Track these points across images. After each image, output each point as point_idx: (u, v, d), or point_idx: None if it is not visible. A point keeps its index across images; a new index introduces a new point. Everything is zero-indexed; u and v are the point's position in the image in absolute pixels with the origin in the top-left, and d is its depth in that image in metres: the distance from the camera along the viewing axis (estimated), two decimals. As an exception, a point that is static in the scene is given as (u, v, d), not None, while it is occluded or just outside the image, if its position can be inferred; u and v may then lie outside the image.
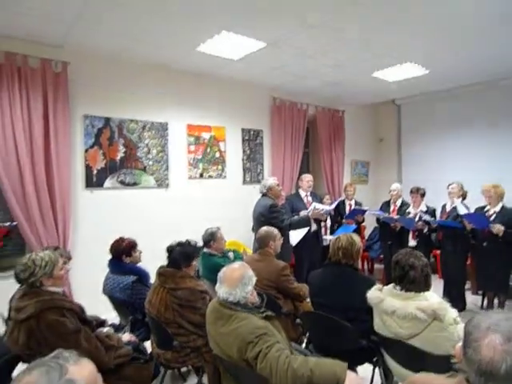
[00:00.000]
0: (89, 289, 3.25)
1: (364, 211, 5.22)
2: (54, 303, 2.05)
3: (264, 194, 4.38)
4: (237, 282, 2.00)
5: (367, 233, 6.48)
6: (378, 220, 5.29)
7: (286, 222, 4.18)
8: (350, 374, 1.68)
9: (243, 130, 5.64)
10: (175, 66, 4.70)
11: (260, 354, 1.77)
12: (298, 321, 3.04)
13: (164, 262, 2.71)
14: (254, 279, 2.08)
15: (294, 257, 4.77)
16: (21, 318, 2.02)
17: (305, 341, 3.15)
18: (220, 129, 5.35)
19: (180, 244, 2.70)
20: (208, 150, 5.23)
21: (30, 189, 3.69)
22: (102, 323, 2.58)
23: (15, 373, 2.49)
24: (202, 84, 5.11)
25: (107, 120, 4.36)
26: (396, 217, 4.83)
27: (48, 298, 2.07)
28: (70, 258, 3.00)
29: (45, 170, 3.80)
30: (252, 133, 5.75)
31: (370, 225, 6.22)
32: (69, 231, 3.95)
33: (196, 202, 5.02)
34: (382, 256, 5.58)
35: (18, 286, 2.74)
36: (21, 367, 2.51)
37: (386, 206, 5.19)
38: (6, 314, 2.70)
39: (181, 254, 2.60)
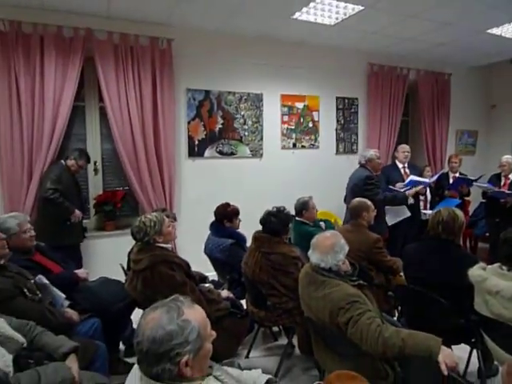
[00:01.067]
0: (191, 248, 3.58)
1: (471, 181, 4.79)
2: (165, 258, 2.35)
3: (362, 165, 4.28)
4: (328, 249, 2.05)
5: (472, 208, 5.96)
6: (484, 194, 4.83)
7: (379, 196, 4.05)
8: (444, 350, 1.65)
9: (337, 98, 5.50)
10: (271, 36, 4.73)
11: (351, 320, 1.83)
12: (390, 293, 3.01)
13: (257, 227, 2.87)
14: (347, 248, 2.11)
15: (389, 231, 4.62)
16: (138, 269, 2.36)
17: (396, 314, 3.12)
18: (314, 98, 5.29)
19: (272, 214, 2.81)
20: (301, 119, 5.23)
21: (141, 157, 4.12)
22: (204, 279, 2.86)
23: (133, 315, 2.93)
24: (297, 53, 5.07)
25: (207, 93, 4.60)
26: (508, 192, 4.37)
27: (159, 253, 2.37)
28: (175, 219, 3.32)
29: (154, 140, 4.21)
30: (347, 101, 5.58)
31: (475, 200, 5.71)
32: (174, 196, 4.36)
33: (288, 171, 5.11)
34: (487, 234, 5.12)
35: (133, 241, 3.17)
36: (137, 311, 2.94)
37: (495, 180, 4.71)
38: (125, 265, 3.16)
39: (277, 225, 2.72)
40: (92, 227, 4.23)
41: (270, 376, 1.48)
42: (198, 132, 4.58)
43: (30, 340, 1.83)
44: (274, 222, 2.76)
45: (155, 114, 4.21)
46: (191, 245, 3.47)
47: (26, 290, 2.08)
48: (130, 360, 2.86)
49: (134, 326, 3.08)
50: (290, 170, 5.13)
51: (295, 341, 2.98)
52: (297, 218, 3.61)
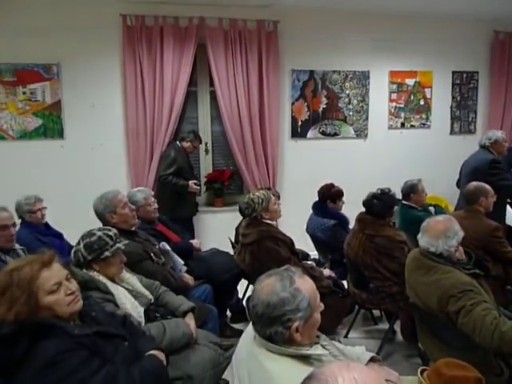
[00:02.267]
0: (293, 227, 3.67)
1: None
2: (271, 233, 2.48)
3: (484, 147, 3.80)
4: (439, 233, 1.95)
5: None
6: None
7: (508, 183, 3.61)
8: None
9: (454, 72, 5.01)
10: (378, 10, 4.47)
11: (462, 310, 1.73)
12: (508, 287, 2.74)
13: (359, 210, 2.83)
14: (461, 235, 1.98)
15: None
16: (246, 242, 2.53)
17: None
18: (426, 73, 4.90)
19: (375, 196, 2.74)
20: (411, 97, 4.90)
21: (247, 138, 4.32)
22: (306, 257, 2.95)
23: (239, 286, 3.16)
24: (406, 26, 4.71)
25: (312, 73, 4.58)
26: None
27: (266, 228, 2.51)
28: (279, 197, 3.44)
29: (259, 122, 4.36)
30: (465, 76, 5.05)
31: None
32: (277, 175, 4.50)
33: (396, 152, 4.86)
34: None
35: (239, 217, 3.38)
36: (243, 282, 3.16)
37: None
38: (232, 238, 3.40)
39: (382, 208, 2.66)
40: (203, 203, 4.60)
41: (374, 354, 1.49)
42: (301, 113, 4.62)
43: (156, 297, 2.11)
44: (377, 204, 2.70)
45: (261, 96, 4.35)
46: (293, 224, 3.56)
47: (152, 255, 2.39)
48: (235, 326, 3.11)
49: (239, 295, 3.33)
50: (398, 151, 4.88)
51: (397, 326, 2.91)
52: (403, 202, 3.45)
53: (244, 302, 3.32)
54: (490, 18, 4.84)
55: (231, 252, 3.18)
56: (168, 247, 2.62)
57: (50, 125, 4.05)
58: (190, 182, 4.01)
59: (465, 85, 5.08)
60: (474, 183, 2.99)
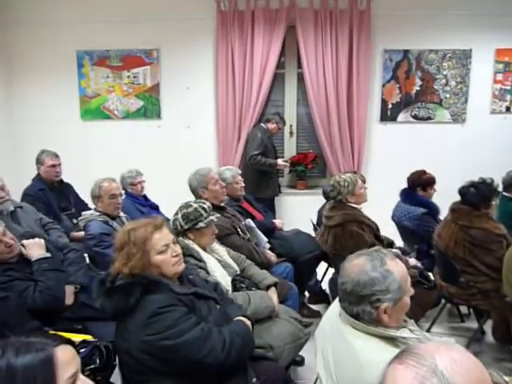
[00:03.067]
0: (378, 213, 3.57)
1: None
2: (356, 217, 2.45)
3: None
4: None
5: None
6: None
7: None
8: None
9: None
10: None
11: None
12: None
13: (452, 199, 2.65)
14: None
15: None
16: (330, 225, 2.54)
17: None
18: (542, 51, 4.34)
19: (473, 185, 2.54)
20: (521, 78, 4.39)
21: (333, 120, 4.26)
22: (391, 244, 2.86)
23: (318, 268, 3.18)
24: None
25: (405, 52, 4.33)
26: None
27: (351, 212, 2.49)
28: (364, 181, 3.35)
29: (346, 104, 4.27)
30: None
31: None
32: (362, 159, 4.39)
33: (498, 139, 4.42)
34: None
35: (320, 200, 3.38)
36: (322, 263, 3.18)
37: None
38: (314, 220, 3.42)
39: (476, 196, 2.46)
40: (285, 185, 4.67)
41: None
42: (392, 95, 4.40)
43: (241, 269, 2.23)
44: (473, 193, 2.50)
45: (350, 78, 4.24)
46: (377, 210, 3.45)
47: (239, 230, 2.52)
48: (313, 307, 3.15)
49: (318, 277, 3.36)
50: (501, 138, 4.42)
51: (486, 326, 2.72)
52: (504, 193, 3.16)
53: (323, 285, 3.36)
54: None
55: (312, 234, 3.21)
56: (253, 224, 2.74)
57: (150, 106, 4.42)
58: (279, 160, 4.09)
59: None
60: None
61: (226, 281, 1.98)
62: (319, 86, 4.23)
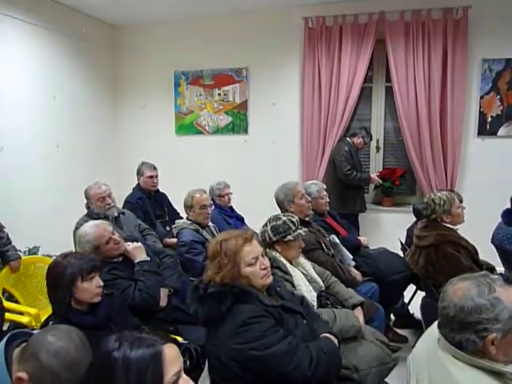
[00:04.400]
0: (475, 235, 3.28)
1: None
2: (452, 238, 2.28)
3: None
4: None
5: None
6: None
7: None
8: None
9: None
10: None
11: None
12: None
13: None
14: None
15: None
16: (422, 245, 2.39)
17: None
18: None
19: None
20: None
21: (425, 135, 4.04)
22: (492, 270, 2.60)
23: (405, 290, 3.01)
24: None
25: (508, 61, 3.97)
26: None
27: (446, 232, 2.32)
28: (461, 201, 3.12)
29: (439, 116, 4.03)
30: None
31: None
32: (457, 177, 4.08)
33: None
34: None
35: (409, 218, 3.21)
36: (410, 287, 3.01)
37: None
38: (402, 240, 3.25)
39: None
40: (370, 201, 4.52)
41: None
42: (492, 107, 4.06)
43: (327, 285, 2.20)
44: None
45: (443, 90, 4.01)
46: (475, 232, 3.18)
47: (323, 245, 2.50)
48: (399, 331, 2.98)
49: (405, 300, 3.18)
50: None
51: None
52: None
53: (410, 308, 3.17)
54: None
55: (400, 254, 3.06)
56: (337, 240, 2.69)
57: (238, 122, 4.63)
58: (372, 174, 4.06)
59: None
60: None
61: (311, 296, 1.97)
62: (409, 99, 4.06)
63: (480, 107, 4.08)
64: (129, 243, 2.23)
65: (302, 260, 2.16)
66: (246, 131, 4.62)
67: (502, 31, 3.96)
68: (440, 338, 1.17)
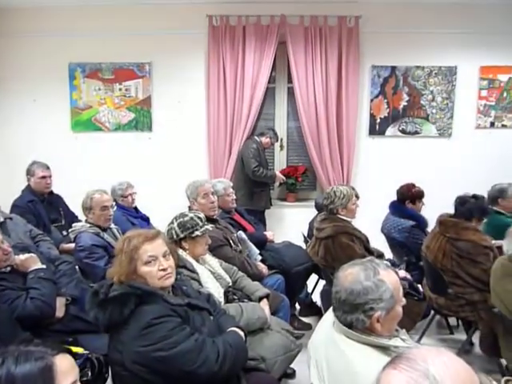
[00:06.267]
0: (367, 225, 3.62)
1: None
2: (346, 229, 2.49)
3: None
4: None
5: None
6: None
7: None
8: None
9: (557, 67, 4.53)
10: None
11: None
12: None
13: (439, 212, 2.72)
14: None
15: None
16: (321, 236, 2.57)
17: None
18: (523, 68, 4.50)
19: (476, 197, 2.63)
20: (504, 94, 4.53)
21: (323, 133, 4.32)
22: (381, 256, 2.90)
23: (309, 279, 3.20)
24: (500, 15, 4.33)
25: (393, 69, 4.45)
26: None
27: (342, 224, 2.52)
28: (358, 197, 3.42)
29: (336, 118, 4.34)
30: None
31: None
32: (351, 173, 4.45)
33: (483, 154, 4.53)
34: None
35: (311, 212, 3.42)
36: (313, 276, 3.21)
37: None
38: (305, 233, 3.44)
39: (476, 207, 2.54)
40: (275, 197, 4.70)
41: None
42: (380, 110, 4.50)
43: (234, 281, 2.24)
44: (473, 203, 2.58)
45: (339, 93, 4.33)
46: (367, 223, 3.51)
47: (231, 241, 2.53)
48: (304, 319, 3.16)
49: (309, 290, 3.38)
50: (486, 152, 4.54)
51: (475, 338, 2.75)
52: (490, 207, 3.24)
53: (313, 297, 3.37)
54: None
55: (303, 246, 3.24)
56: (244, 236, 2.75)
57: (141, 118, 4.44)
58: (277, 173, 4.22)
59: None
60: None
61: (218, 292, 1.99)
62: (309, 100, 4.31)
63: (370, 109, 4.51)
64: (21, 255, 2.00)
65: (209, 258, 2.16)
66: (150, 128, 4.46)
67: (388, 41, 4.39)
68: (335, 320, 1.27)
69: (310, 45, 4.27)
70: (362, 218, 3.98)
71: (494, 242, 2.55)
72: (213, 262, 2.16)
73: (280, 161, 4.73)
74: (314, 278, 3.29)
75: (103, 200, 2.67)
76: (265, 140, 4.20)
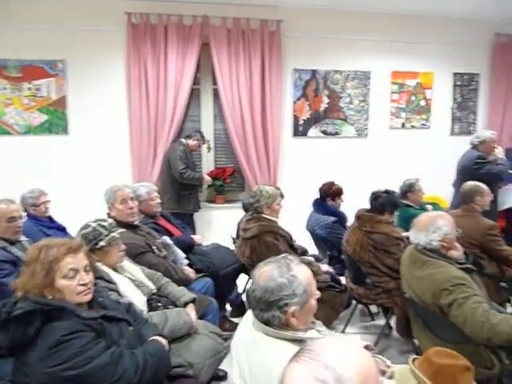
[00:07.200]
0: (293, 223, 3.73)
1: None
2: (271, 228, 2.54)
3: (474, 146, 3.94)
4: (421, 227, 2.01)
5: None
6: None
7: (494, 171, 3.71)
8: None
9: (455, 74, 5.05)
10: (380, 10, 4.54)
11: (454, 303, 1.79)
12: (502, 285, 2.79)
13: (357, 207, 2.90)
14: (445, 231, 1.97)
15: (506, 219, 4.21)
16: (247, 237, 2.59)
17: (509, 309, 2.88)
18: (428, 74, 4.95)
19: (387, 192, 2.83)
20: (412, 98, 4.95)
21: (249, 135, 4.37)
22: (305, 252, 3.01)
23: (238, 281, 3.22)
24: (408, 26, 4.75)
25: (314, 72, 4.64)
26: None
27: (266, 223, 2.57)
28: (283, 197, 3.51)
29: (261, 120, 4.41)
30: (465, 77, 5.09)
31: None
32: (278, 173, 4.55)
33: (396, 152, 4.91)
34: None
35: (239, 214, 3.44)
36: (242, 276, 3.22)
37: None
38: (233, 234, 3.45)
39: (387, 201, 2.73)
40: (204, 200, 4.66)
41: (367, 342, 1.55)
42: (302, 112, 4.67)
43: (158, 287, 2.17)
44: (385, 197, 2.77)
45: (263, 95, 4.41)
46: (293, 220, 3.63)
47: (154, 248, 2.45)
48: (235, 320, 3.17)
49: (239, 290, 3.39)
50: (398, 151, 4.93)
51: (393, 322, 2.96)
52: (401, 200, 3.51)
53: (244, 297, 3.39)
54: (491, 21, 4.89)
55: (232, 247, 3.24)
56: (169, 241, 2.69)
57: (55, 120, 4.12)
58: (205, 176, 4.17)
59: (466, 86, 5.12)
60: (471, 182, 3.05)
61: (140, 301, 1.92)
62: (234, 102, 4.33)
63: (294, 111, 4.65)
64: None
65: (129, 265, 2.07)
66: (65, 131, 4.16)
67: (309, 45, 4.57)
68: (254, 319, 1.28)
69: (234, 47, 4.30)
70: (288, 217, 4.08)
71: (405, 233, 2.77)
72: (133, 269, 2.07)
73: (208, 163, 4.70)
74: (245, 278, 3.31)
75: (10, 210, 2.43)
76: (192, 142, 4.14)
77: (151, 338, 1.57)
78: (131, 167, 4.28)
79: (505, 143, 4.86)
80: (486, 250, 2.80)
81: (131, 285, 1.96)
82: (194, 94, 4.54)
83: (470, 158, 3.82)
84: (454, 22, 4.83)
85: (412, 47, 4.83)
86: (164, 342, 1.59)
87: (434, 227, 1.99)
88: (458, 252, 2.02)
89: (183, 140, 4.15)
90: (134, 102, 4.16)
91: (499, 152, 3.92)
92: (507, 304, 2.88)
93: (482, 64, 5.09)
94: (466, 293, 1.78)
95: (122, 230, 2.09)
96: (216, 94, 4.50)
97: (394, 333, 3.01)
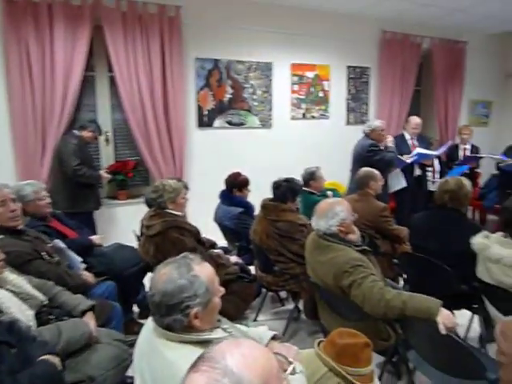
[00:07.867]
0: (201, 216, 3.66)
1: (479, 158, 4.80)
2: (176, 224, 2.43)
3: (366, 135, 4.30)
4: (321, 214, 2.11)
5: (483, 180, 5.92)
6: (498, 167, 4.81)
7: (385, 158, 4.08)
8: (443, 311, 1.72)
9: (349, 67, 5.41)
10: (281, 2, 4.63)
11: (354, 283, 1.90)
12: (395, 261, 3.07)
13: (264, 196, 2.93)
14: (342, 216, 2.07)
15: (396, 201, 4.66)
16: (151, 234, 2.45)
17: (401, 283, 3.19)
18: (324, 67, 5.21)
19: (287, 180, 2.88)
20: (311, 89, 5.18)
21: (151, 127, 4.15)
22: (214, 245, 2.96)
23: (146, 280, 3.05)
24: (308, 21, 4.95)
25: (216, 62, 4.56)
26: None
27: (171, 219, 2.46)
28: (187, 189, 3.40)
29: (163, 110, 4.21)
30: (358, 70, 5.48)
31: (486, 172, 5.66)
32: (184, 165, 4.41)
33: (298, 142, 5.11)
34: (497, 206, 5.12)
35: (144, 209, 3.26)
36: (150, 274, 3.06)
37: (511, 152, 4.67)
38: (138, 232, 3.26)
39: (288, 189, 2.79)
40: (104, 196, 4.33)
41: (275, 332, 1.56)
42: (207, 102, 4.58)
43: (50, 298, 1.94)
44: (285, 186, 2.83)
45: (164, 84, 4.21)
46: (201, 213, 3.56)
47: (44, 253, 2.19)
48: (144, 321, 3.00)
49: (147, 289, 3.23)
50: (300, 140, 5.13)
51: (301, 306, 3.08)
52: (304, 188, 3.65)
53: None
54: (379, 19, 5.31)
55: (136, 246, 3.06)
56: (63, 244, 2.42)
57: None
58: (101, 171, 3.84)
59: (358, 79, 5.51)
60: (365, 169, 3.29)
61: (26, 316, 1.69)
62: (133, 91, 4.07)
63: (198, 101, 4.54)
64: None
65: (12, 276, 1.81)
66: None
67: (210, 34, 4.48)
68: (154, 325, 1.19)
69: (130, 31, 4.02)
70: (196, 210, 4.01)
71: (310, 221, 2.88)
72: (17, 280, 1.81)
73: (107, 156, 4.37)
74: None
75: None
76: (86, 134, 3.78)
77: (40, 359, 1.39)
78: (14, 163, 3.77)
79: (393, 131, 5.35)
80: (379, 231, 3.05)
81: (14, 299, 1.71)
82: (88, 82, 4.17)
83: (364, 146, 4.14)
84: (346, 18, 5.15)
85: (310, 41, 5.03)
86: (56, 360, 1.42)
87: (332, 213, 2.08)
88: (355, 235, 2.15)
89: (76, 132, 3.77)
90: (16, 91, 3.65)
91: (390, 141, 4.31)
92: (400, 278, 3.18)
93: (371, 58, 5.52)
94: (363, 273, 1.90)
95: (1, 236, 1.82)
96: (113, 82, 4.17)
97: (303, 316, 3.14)
